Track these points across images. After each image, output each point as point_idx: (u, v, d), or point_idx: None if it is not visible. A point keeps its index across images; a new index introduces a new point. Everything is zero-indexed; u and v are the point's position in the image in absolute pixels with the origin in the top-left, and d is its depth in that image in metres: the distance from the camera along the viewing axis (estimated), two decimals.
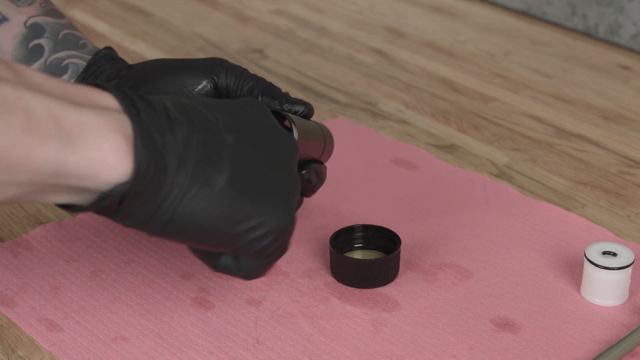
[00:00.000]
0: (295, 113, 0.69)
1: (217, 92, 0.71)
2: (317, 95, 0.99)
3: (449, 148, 0.89)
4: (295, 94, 0.99)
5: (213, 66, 0.71)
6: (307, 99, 0.98)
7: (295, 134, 0.65)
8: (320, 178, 0.70)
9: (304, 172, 0.69)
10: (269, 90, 0.70)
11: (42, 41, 0.74)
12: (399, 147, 0.88)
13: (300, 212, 0.76)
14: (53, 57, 0.74)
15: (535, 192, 0.82)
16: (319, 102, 0.97)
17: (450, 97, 0.99)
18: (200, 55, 1.08)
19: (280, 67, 1.05)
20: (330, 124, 0.91)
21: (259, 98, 0.70)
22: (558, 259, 0.72)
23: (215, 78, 0.71)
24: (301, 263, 0.72)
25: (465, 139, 0.90)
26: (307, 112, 0.70)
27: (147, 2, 1.24)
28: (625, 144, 0.90)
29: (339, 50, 1.10)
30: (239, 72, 0.71)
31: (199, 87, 0.71)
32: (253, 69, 1.04)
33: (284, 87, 1.00)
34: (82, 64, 0.74)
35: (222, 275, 0.70)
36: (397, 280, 0.70)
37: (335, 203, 0.79)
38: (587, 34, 1.16)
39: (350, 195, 0.80)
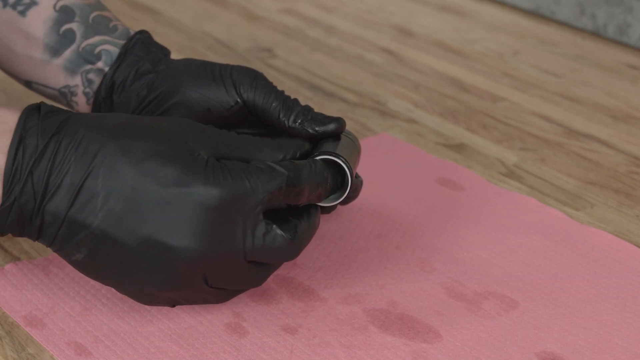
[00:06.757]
0: (328, 133, 0.67)
1: (248, 109, 0.70)
2: (326, 94, 0.99)
3: (458, 147, 0.89)
4: (304, 93, 0.99)
5: (242, 82, 0.69)
6: (316, 98, 0.98)
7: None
8: (357, 194, 0.70)
9: None
10: (304, 112, 0.69)
11: (73, 25, 0.73)
12: (444, 166, 0.85)
13: (340, 235, 0.74)
14: (85, 43, 0.73)
15: (544, 192, 0.82)
16: (328, 101, 0.97)
17: (459, 97, 0.99)
18: (209, 54, 1.08)
19: (289, 66, 1.05)
20: (373, 140, 0.89)
21: (291, 121, 0.68)
22: (609, 290, 0.69)
23: (244, 95, 0.69)
24: (340, 288, 0.69)
25: (474, 139, 0.91)
26: (340, 128, 0.68)
27: (156, 0, 1.24)
28: (635, 144, 0.90)
29: (348, 50, 1.10)
30: (268, 91, 0.69)
31: (229, 106, 0.70)
32: (262, 68, 1.04)
33: (294, 87, 1.00)
34: (115, 50, 0.73)
35: (258, 300, 0.67)
36: (439, 309, 0.67)
37: (377, 225, 0.76)
38: (596, 34, 1.16)
39: (392, 216, 0.77)
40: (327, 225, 0.75)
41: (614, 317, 0.67)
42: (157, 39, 1.11)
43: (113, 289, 0.67)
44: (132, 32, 0.74)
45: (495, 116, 0.95)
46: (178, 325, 0.64)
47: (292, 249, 0.61)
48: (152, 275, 0.59)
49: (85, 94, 0.74)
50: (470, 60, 1.08)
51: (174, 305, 0.63)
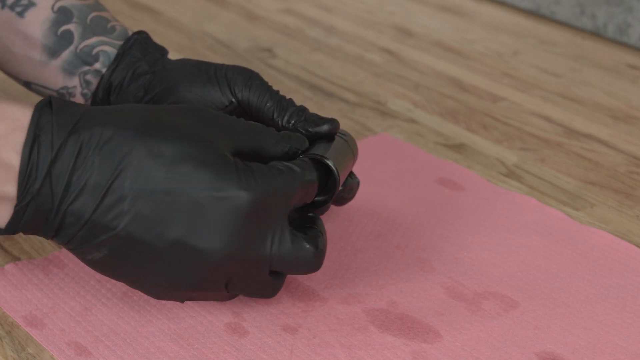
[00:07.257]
0: (321, 134, 0.68)
1: (242, 108, 0.70)
2: (325, 94, 0.99)
3: (458, 147, 0.89)
4: (304, 93, 0.99)
5: (237, 82, 0.70)
6: (316, 98, 0.98)
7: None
8: (353, 194, 0.70)
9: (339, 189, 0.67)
10: (298, 111, 0.69)
11: (71, 27, 0.73)
12: (444, 166, 0.85)
13: (340, 235, 0.74)
14: (83, 44, 0.72)
15: (544, 192, 0.82)
16: (328, 101, 0.97)
17: (459, 97, 0.99)
18: (209, 54, 1.08)
19: (289, 66, 1.05)
20: (373, 140, 0.89)
21: (285, 121, 0.68)
22: (609, 290, 0.69)
23: (238, 95, 0.70)
24: (340, 288, 0.69)
25: (474, 139, 0.91)
26: (333, 129, 0.68)
27: (156, 0, 1.24)
28: (635, 144, 0.90)
29: (348, 49, 1.10)
30: (262, 91, 0.69)
31: (224, 106, 0.70)
32: (262, 68, 1.04)
33: (293, 87, 1.00)
34: (112, 51, 0.73)
35: (258, 300, 0.67)
36: (439, 309, 0.67)
37: (377, 225, 0.76)
38: (596, 34, 1.16)
39: (392, 216, 0.77)
40: (326, 225, 0.75)
41: (614, 317, 0.67)
42: (157, 39, 1.11)
43: (113, 289, 0.67)
44: (130, 33, 0.74)
45: (495, 116, 0.95)
46: (178, 325, 0.64)
47: (317, 261, 0.61)
48: (176, 276, 0.59)
49: (83, 95, 0.74)
50: (470, 60, 1.08)
51: (183, 301, 0.63)
